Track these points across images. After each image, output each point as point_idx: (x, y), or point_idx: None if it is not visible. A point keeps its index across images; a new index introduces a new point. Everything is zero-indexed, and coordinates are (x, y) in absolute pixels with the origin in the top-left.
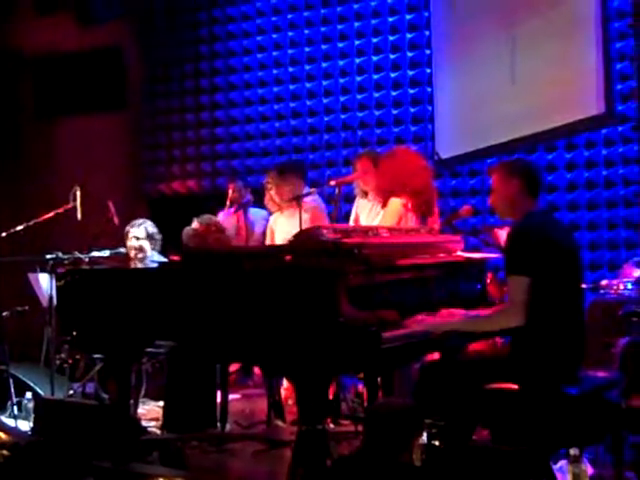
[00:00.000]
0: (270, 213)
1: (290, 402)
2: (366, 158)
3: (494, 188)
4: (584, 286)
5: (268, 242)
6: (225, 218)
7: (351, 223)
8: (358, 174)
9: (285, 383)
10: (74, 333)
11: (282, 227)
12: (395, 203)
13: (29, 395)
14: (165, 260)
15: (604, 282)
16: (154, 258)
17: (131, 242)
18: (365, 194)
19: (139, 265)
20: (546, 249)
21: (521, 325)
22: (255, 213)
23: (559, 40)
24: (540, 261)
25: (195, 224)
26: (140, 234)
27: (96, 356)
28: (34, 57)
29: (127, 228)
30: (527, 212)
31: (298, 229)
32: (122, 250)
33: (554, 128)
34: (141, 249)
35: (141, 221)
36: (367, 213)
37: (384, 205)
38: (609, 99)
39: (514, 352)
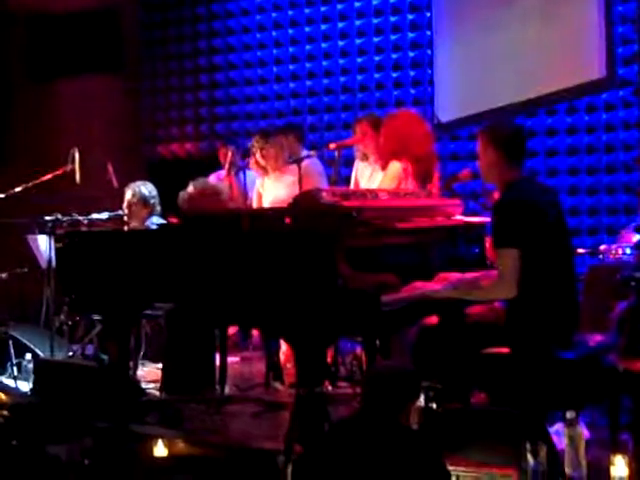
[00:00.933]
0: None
1: (289, 365)
2: (366, 121)
3: (478, 154)
4: (582, 251)
5: (255, 205)
6: (217, 181)
7: (351, 187)
8: (358, 138)
9: (284, 346)
10: (73, 295)
11: (270, 191)
12: (395, 166)
13: (29, 356)
14: (164, 222)
15: (603, 247)
16: (154, 221)
17: (125, 204)
18: (365, 157)
19: (135, 227)
20: (532, 219)
21: (513, 297)
22: (250, 176)
23: (560, 3)
24: (527, 231)
25: (190, 188)
26: (135, 197)
27: (95, 317)
28: (28, 17)
29: (125, 190)
30: (509, 181)
31: (285, 192)
32: (121, 212)
33: (555, 92)
34: (135, 212)
35: (138, 183)
36: (367, 177)
37: (384, 168)
38: (610, 63)
39: (509, 319)
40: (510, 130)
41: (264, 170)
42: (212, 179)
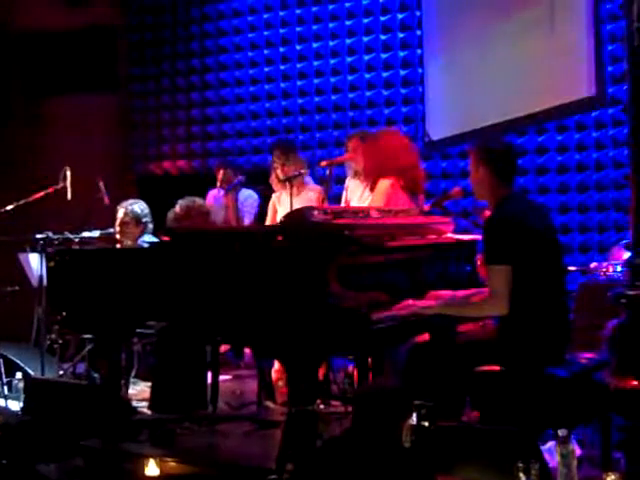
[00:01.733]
0: (259, 194)
1: (281, 384)
2: (357, 138)
3: (469, 171)
4: (573, 268)
5: (269, 219)
6: (214, 199)
7: (342, 204)
8: (349, 155)
9: (276, 365)
10: (64, 313)
11: (284, 206)
12: (383, 184)
13: (19, 375)
14: (156, 240)
15: (593, 264)
16: (145, 239)
17: (117, 223)
18: (357, 175)
19: (127, 245)
20: (523, 235)
21: (504, 314)
22: (244, 194)
23: (550, 22)
24: (518, 248)
25: (177, 208)
26: (127, 216)
27: (86, 336)
28: (23, 35)
29: (117, 208)
30: (500, 199)
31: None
32: (112, 230)
33: (545, 110)
34: (127, 231)
35: (131, 202)
36: (359, 194)
37: (372, 188)
38: (600, 81)
39: (500, 336)
40: (500, 148)
41: (283, 185)
42: (209, 197)
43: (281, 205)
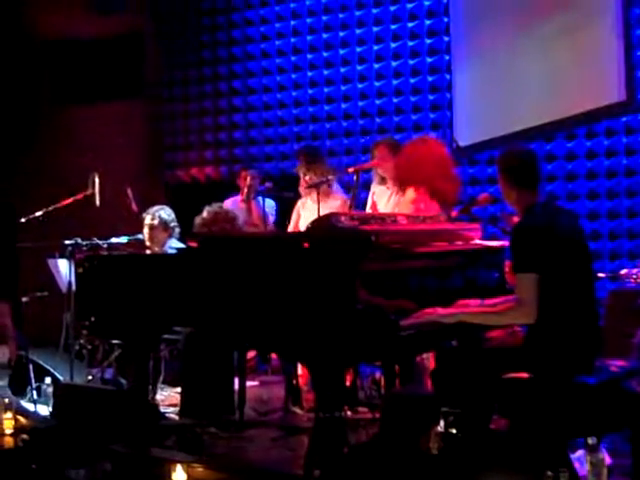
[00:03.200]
0: (287, 200)
1: (305, 388)
2: (384, 145)
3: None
4: (603, 275)
5: (292, 224)
6: (233, 205)
7: (368, 210)
8: (377, 161)
9: (300, 369)
10: (92, 319)
11: (308, 212)
12: (411, 192)
13: (48, 380)
14: (183, 246)
15: (623, 271)
16: (172, 245)
17: (145, 229)
18: (383, 181)
19: (156, 251)
20: (551, 243)
21: (531, 323)
22: (268, 202)
23: (580, 27)
24: (546, 256)
25: (204, 213)
26: (155, 221)
27: (114, 342)
28: (51, 43)
29: (144, 215)
30: (527, 205)
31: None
32: (140, 236)
33: (574, 116)
34: (152, 237)
35: (158, 207)
36: (386, 200)
37: (403, 193)
38: (630, 86)
39: (529, 343)
40: (517, 157)
41: (308, 191)
42: (228, 203)
43: (305, 210)
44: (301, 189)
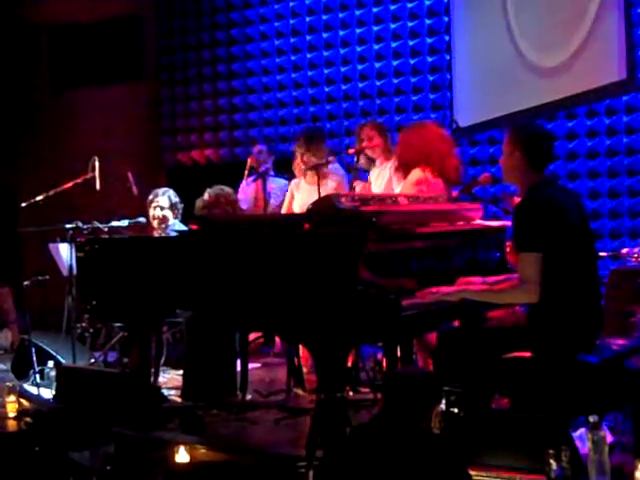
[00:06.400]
0: (289, 180)
1: (305, 370)
2: (370, 126)
3: (503, 153)
4: (604, 254)
5: (286, 205)
6: (244, 188)
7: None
8: (371, 143)
9: (301, 351)
10: (94, 302)
11: (302, 194)
12: (416, 173)
13: (51, 363)
14: (185, 229)
15: (624, 250)
16: (176, 227)
17: (155, 211)
18: (372, 162)
19: (162, 234)
20: (554, 222)
21: (534, 302)
22: (274, 182)
23: (579, 6)
24: (549, 235)
25: (205, 195)
26: (164, 203)
27: (116, 325)
28: (50, 27)
29: (150, 197)
30: (531, 184)
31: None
32: (141, 219)
33: (574, 95)
34: (164, 218)
35: (164, 190)
36: (375, 179)
37: (404, 176)
38: (630, 65)
39: (531, 323)
40: (538, 134)
41: (302, 172)
42: (242, 185)
43: (299, 192)
44: (295, 170)
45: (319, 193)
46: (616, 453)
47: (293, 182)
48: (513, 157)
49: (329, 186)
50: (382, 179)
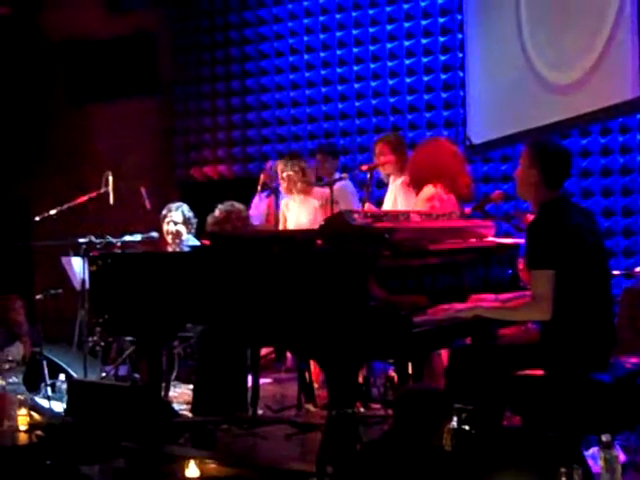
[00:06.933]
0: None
1: (316, 385)
2: (382, 143)
3: (520, 165)
4: (618, 272)
5: (280, 226)
6: (257, 204)
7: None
8: (385, 159)
9: (312, 366)
10: (106, 316)
11: (293, 213)
12: (430, 190)
13: (62, 377)
14: (197, 243)
15: (638, 269)
16: (189, 242)
17: (169, 226)
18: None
19: (176, 249)
20: (568, 239)
21: (547, 319)
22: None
23: (592, 23)
24: (562, 252)
25: (216, 211)
26: (178, 218)
27: (128, 339)
28: (65, 43)
29: (164, 212)
30: (545, 202)
31: (307, 218)
32: (154, 234)
33: (588, 113)
34: (178, 233)
35: (178, 204)
36: (387, 195)
37: (417, 192)
38: None
39: (544, 340)
40: (557, 153)
41: (290, 191)
42: (255, 201)
43: (289, 213)
44: (283, 190)
45: (331, 210)
46: (629, 472)
47: (282, 203)
48: (529, 173)
49: (313, 204)
50: (392, 195)
